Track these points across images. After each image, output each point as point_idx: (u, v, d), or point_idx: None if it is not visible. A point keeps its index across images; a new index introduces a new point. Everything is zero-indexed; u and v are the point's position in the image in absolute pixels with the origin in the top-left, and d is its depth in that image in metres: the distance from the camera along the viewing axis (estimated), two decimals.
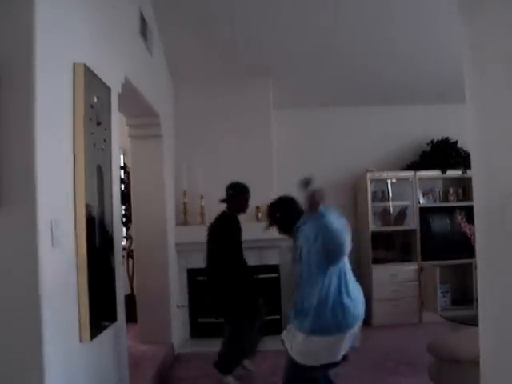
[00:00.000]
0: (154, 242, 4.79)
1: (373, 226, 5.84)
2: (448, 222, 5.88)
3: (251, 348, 4.18)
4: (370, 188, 5.82)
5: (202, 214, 5.27)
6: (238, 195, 4.07)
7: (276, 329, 5.03)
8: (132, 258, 5.57)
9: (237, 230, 4.08)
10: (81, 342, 2.43)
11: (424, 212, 5.89)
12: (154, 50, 4.44)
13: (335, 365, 2.82)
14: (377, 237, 5.85)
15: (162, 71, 5.00)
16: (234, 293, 3.97)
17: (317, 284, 2.72)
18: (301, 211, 2.94)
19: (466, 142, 5.24)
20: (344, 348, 2.76)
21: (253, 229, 4.34)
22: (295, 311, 2.84)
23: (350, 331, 2.73)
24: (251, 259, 4.49)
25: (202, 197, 5.26)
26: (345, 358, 2.83)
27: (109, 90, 2.94)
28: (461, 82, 2.36)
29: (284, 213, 3.06)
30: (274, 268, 5.37)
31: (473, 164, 2.32)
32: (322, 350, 2.71)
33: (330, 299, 2.71)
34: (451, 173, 5.90)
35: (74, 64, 2.44)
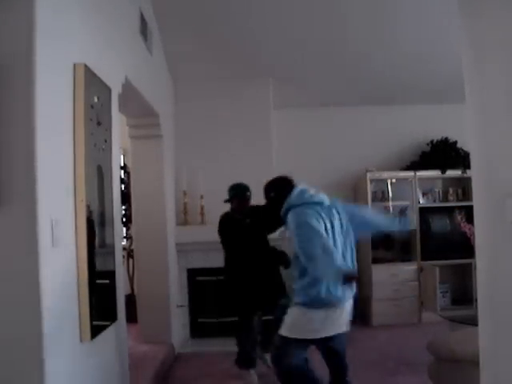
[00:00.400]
0: (154, 242, 4.79)
1: None
2: (448, 222, 5.88)
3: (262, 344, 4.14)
4: (369, 188, 5.81)
5: (202, 214, 5.28)
6: (239, 196, 4.08)
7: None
8: (132, 257, 5.58)
9: (234, 229, 4.05)
10: (81, 341, 2.43)
11: (424, 212, 5.89)
12: (154, 49, 4.44)
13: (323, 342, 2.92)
14: (377, 237, 5.85)
15: (162, 71, 5.01)
16: (231, 289, 4.11)
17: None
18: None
19: (466, 142, 5.24)
20: (332, 326, 2.85)
21: None
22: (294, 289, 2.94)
23: (334, 309, 2.83)
24: None
25: (202, 197, 5.26)
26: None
27: (109, 90, 2.94)
28: (461, 82, 2.36)
29: (278, 193, 3.01)
30: None
31: (473, 164, 2.33)
32: (308, 323, 2.83)
33: (316, 278, 2.78)
34: (451, 173, 5.89)
35: (74, 64, 2.44)
